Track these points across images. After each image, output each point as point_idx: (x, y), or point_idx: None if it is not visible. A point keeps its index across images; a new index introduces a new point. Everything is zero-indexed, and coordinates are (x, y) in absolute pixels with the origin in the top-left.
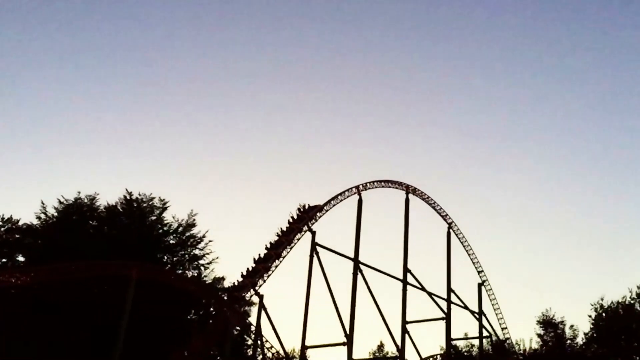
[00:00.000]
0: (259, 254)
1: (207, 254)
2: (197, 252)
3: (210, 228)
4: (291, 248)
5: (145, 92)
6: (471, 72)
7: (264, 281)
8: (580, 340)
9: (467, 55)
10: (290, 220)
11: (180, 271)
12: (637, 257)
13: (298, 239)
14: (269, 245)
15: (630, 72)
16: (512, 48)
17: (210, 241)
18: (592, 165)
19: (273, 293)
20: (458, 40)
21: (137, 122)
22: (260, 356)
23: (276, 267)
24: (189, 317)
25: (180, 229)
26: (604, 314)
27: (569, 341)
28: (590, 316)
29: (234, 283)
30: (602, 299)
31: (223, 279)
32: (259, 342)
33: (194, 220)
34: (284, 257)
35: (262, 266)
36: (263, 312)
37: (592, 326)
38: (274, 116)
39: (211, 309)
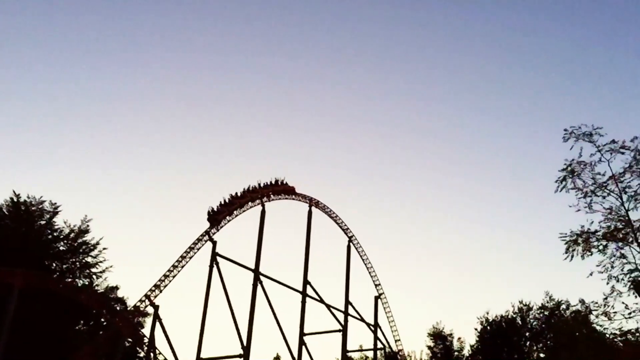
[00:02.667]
0: None
1: (100, 262)
2: (89, 259)
3: (105, 235)
4: (190, 258)
5: (37, 89)
6: (381, 86)
7: (160, 291)
8: (466, 352)
9: (372, 67)
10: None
11: (70, 279)
12: (520, 274)
13: (198, 249)
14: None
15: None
16: (413, 58)
17: (104, 249)
18: (486, 189)
19: (170, 304)
20: (363, 51)
21: (30, 121)
22: None
23: (174, 277)
24: (77, 328)
25: (72, 235)
26: (488, 327)
27: (456, 353)
28: (476, 329)
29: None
30: (487, 313)
31: (117, 288)
32: (151, 354)
33: (88, 226)
34: (182, 267)
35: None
36: (158, 323)
37: (477, 338)
38: (175, 123)
39: (102, 320)
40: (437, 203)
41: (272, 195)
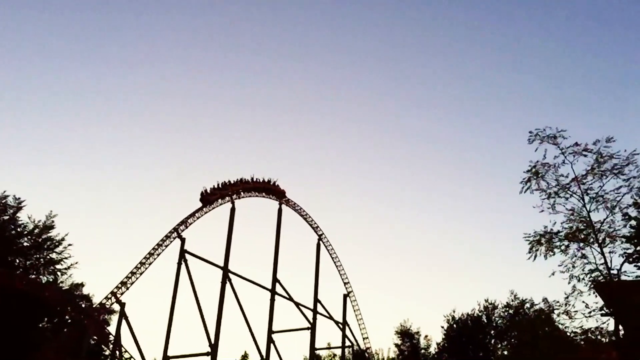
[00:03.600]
0: None
1: (65, 258)
2: (54, 256)
3: (70, 231)
4: (158, 255)
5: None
6: (351, 84)
7: (127, 288)
8: (433, 349)
9: (342, 64)
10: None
11: (33, 276)
12: (487, 274)
13: (167, 246)
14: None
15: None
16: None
17: (69, 245)
18: (454, 190)
19: (137, 301)
20: (336, 49)
21: None
22: None
23: (141, 274)
24: (40, 325)
25: (37, 230)
26: (455, 325)
27: (423, 350)
28: (442, 327)
29: None
30: (454, 311)
31: (82, 285)
32: (117, 352)
33: (53, 222)
34: (150, 264)
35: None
36: (124, 321)
37: (444, 336)
38: (144, 119)
39: (67, 317)
40: (406, 203)
41: (242, 193)
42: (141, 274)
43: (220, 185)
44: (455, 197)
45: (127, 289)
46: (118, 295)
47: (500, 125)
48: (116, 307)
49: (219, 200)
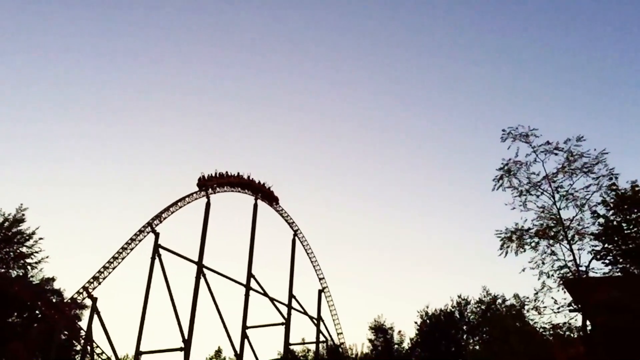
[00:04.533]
0: None
1: (36, 252)
2: (24, 249)
3: (41, 225)
4: (131, 249)
5: None
6: (326, 80)
7: (99, 283)
8: (406, 344)
9: (313, 59)
10: None
11: (3, 270)
12: (460, 270)
13: (140, 240)
14: None
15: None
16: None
17: (40, 239)
18: (429, 187)
19: (109, 296)
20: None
21: None
22: None
23: (114, 268)
24: (9, 320)
25: (6, 224)
26: (428, 321)
27: (396, 345)
28: (416, 322)
29: None
30: (427, 307)
31: (53, 279)
32: (88, 348)
33: (23, 215)
34: (123, 259)
35: None
36: (96, 316)
37: (417, 332)
38: (117, 110)
39: (37, 312)
40: (382, 200)
41: (217, 188)
42: (114, 268)
43: (218, 175)
44: (429, 194)
45: (99, 283)
46: (90, 290)
47: (474, 123)
48: (88, 302)
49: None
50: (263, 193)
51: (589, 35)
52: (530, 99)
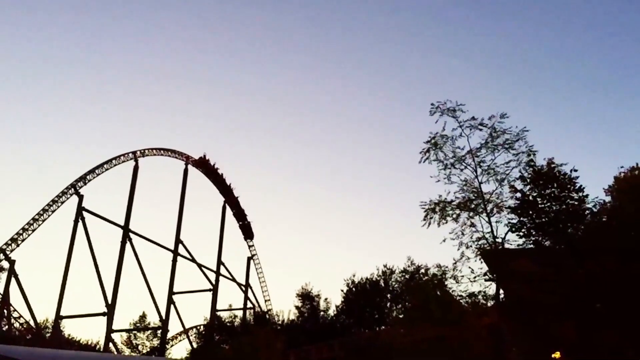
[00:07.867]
0: None
1: None
2: None
3: None
4: (53, 211)
5: None
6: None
7: (18, 245)
8: (332, 311)
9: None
10: None
11: None
12: (386, 240)
13: (62, 202)
14: None
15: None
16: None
17: None
18: (357, 158)
19: (28, 259)
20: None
21: None
22: (6, 327)
23: (33, 230)
24: None
25: None
26: (354, 289)
27: (322, 312)
28: (342, 290)
29: None
30: (354, 276)
31: None
32: (5, 311)
33: None
34: (43, 221)
35: None
36: (13, 279)
37: (343, 299)
38: (38, 66)
39: None
40: (311, 168)
41: (146, 151)
42: (34, 230)
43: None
44: (357, 164)
45: (18, 245)
46: (7, 252)
47: (404, 96)
48: (5, 264)
49: (121, 157)
50: (194, 159)
51: (517, 11)
52: (458, 73)
